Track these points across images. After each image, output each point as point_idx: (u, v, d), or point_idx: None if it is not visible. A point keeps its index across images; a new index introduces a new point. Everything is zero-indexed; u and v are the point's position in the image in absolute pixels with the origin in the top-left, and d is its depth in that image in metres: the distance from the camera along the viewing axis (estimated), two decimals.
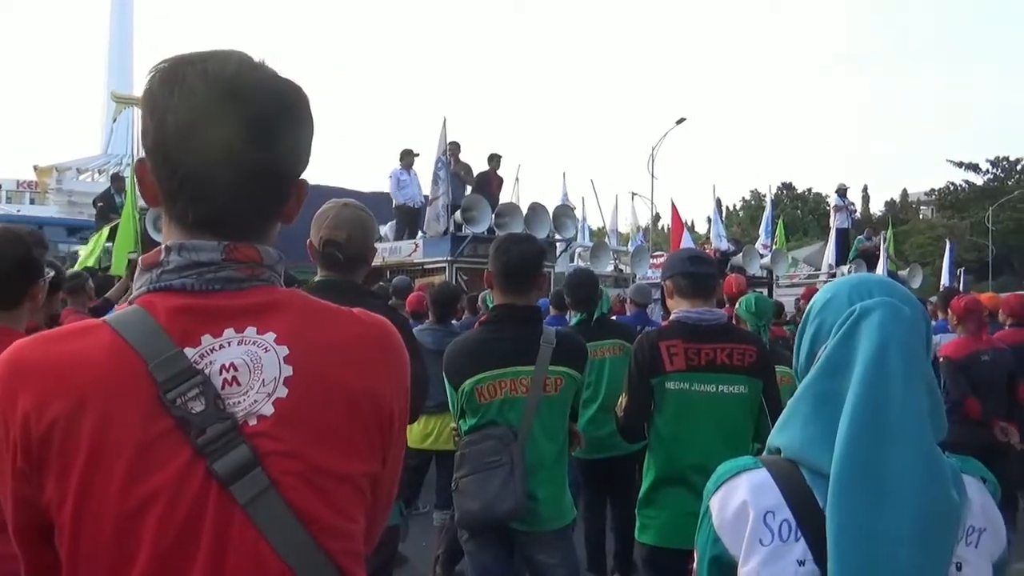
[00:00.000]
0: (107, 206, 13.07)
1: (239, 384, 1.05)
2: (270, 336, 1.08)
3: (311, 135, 1.17)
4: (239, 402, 1.05)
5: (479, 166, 14.13)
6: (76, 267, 11.59)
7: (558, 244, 13.49)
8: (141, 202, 12.16)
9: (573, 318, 5.27)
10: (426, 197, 12.72)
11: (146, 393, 1.02)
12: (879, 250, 16.67)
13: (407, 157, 13.48)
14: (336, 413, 1.09)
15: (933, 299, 7.79)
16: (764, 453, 1.38)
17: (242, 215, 1.11)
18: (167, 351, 1.04)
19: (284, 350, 1.08)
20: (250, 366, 1.06)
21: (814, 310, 1.39)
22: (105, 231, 11.87)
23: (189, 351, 1.05)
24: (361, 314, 1.18)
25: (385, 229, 13.24)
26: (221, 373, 1.05)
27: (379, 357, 1.16)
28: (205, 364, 1.05)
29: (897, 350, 1.26)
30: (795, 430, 1.31)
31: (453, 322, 5.99)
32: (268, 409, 1.05)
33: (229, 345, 1.07)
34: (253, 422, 1.04)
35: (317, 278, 2.78)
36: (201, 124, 1.06)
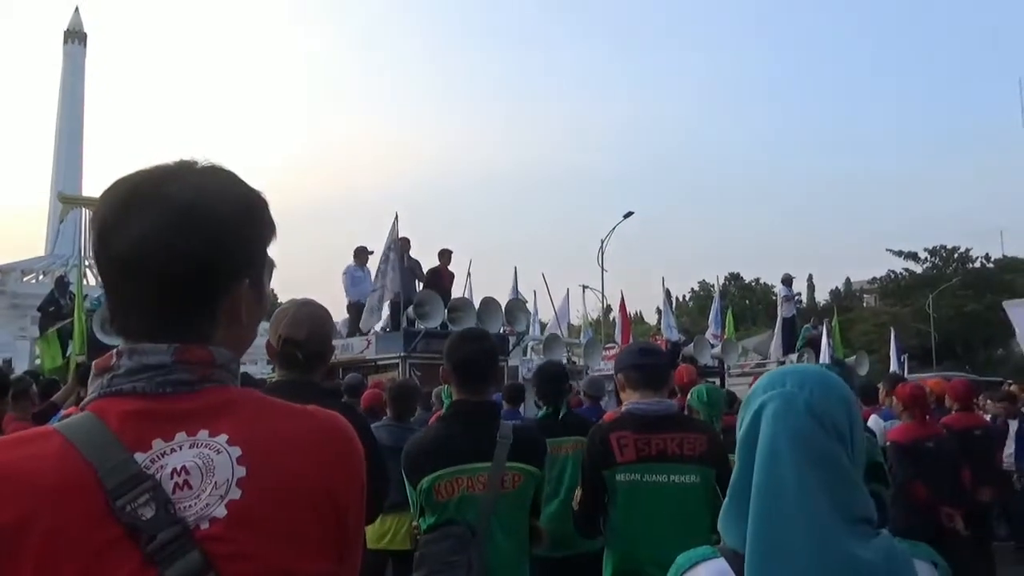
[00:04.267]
0: (52, 310, 12.89)
1: (191, 488, 1.04)
2: (222, 437, 1.08)
3: (262, 235, 1.20)
4: (190, 506, 1.03)
5: (430, 262, 14.30)
6: (44, 369, 11.32)
7: (511, 338, 13.57)
8: (88, 303, 12.06)
9: (540, 411, 5.25)
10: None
11: (96, 500, 1.01)
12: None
13: (361, 255, 13.60)
14: (292, 512, 1.08)
15: (880, 385, 7.99)
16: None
17: (186, 317, 1.12)
18: (117, 457, 1.03)
19: (237, 451, 1.07)
20: (202, 469, 1.05)
21: (744, 401, 1.49)
22: (52, 333, 11.66)
23: (140, 456, 1.04)
24: (314, 410, 1.18)
25: (337, 326, 13.23)
26: (172, 477, 1.04)
27: (334, 452, 1.15)
28: (156, 469, 1.04)
29: (786, 439, 1.33)
30: (727, 522, 1.40)
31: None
32: (221, 511, 1.04)
33: (180, 448, 1.06)
34: (205, 525, 1.03)
35: (275, 378, 2.79)
36: (137, 233, 1.09)
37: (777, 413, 1.36)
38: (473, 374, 3.18)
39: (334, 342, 3.15)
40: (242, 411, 1.12)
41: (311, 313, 2.80)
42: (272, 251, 1.25)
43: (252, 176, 1.22)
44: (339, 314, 13.17)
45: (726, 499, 1.42)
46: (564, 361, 16.41)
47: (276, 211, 1.22)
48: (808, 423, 1.35)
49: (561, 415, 5.04)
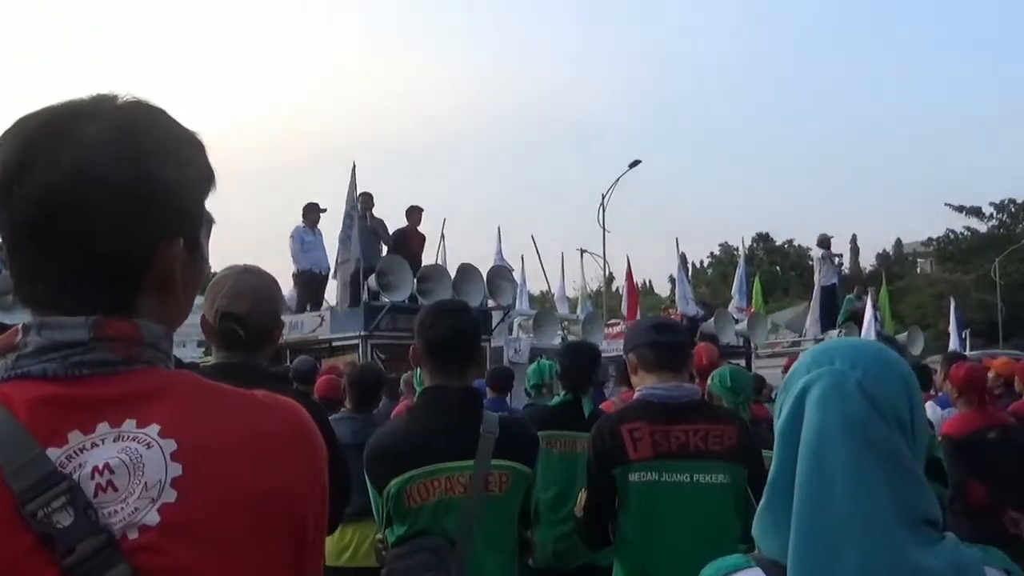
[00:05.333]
0: None
1: (116, 489, 1.04)
2: (153, 428, 1.07)
3: (198, 184, 1.20)
4: (116, 511, 1.03)
5: (396, 222, 14.26)
6: None
7: (494, 313, 13.60)
8: None
9: (556, 396, 5.36)
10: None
11: (3, 506, 1.00)
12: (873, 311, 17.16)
13: (312, 214, 13.53)
14: (238, 519, 1.08)
15: (936, 360, 7.97)
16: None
17: (106, 284, 1.12)
18: (27, 453, 1.02)
19: (171, 445, 1.06)
20: (129, 467, 1.04)
21: (782, 384, 1.49)
22: None
23: (54, 452, 1.03)
24: (265, 397, 1.18)
25: (285, 299, 13.22)
26: (93, 477, 1.03)
27: (290, 449, 1.15)
28: (73, 467, 1.03)
29: (836, 426, 1.34)
30: (764, 527, 1.41)
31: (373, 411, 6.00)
32: (153, 518, 1.03)
33: (103, 443, 1.05)
34: (134, 535, 1.03)
35: (212, 360, 2.79)
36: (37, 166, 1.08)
37: (825, 396, 1.37)
38: (450, 355, 3.19)
39: (282, 318, 3.14)
40: (177, 397, 1.12)
41: (255, 283, 2.79)
42: (211, 204, 1.24)
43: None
44: (286, 285, 13.15)
45: (763, 501, 1.42)
46: (558, 341, 16.53)
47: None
48: (862, 407, 1.35)
49: (585, 408, 5.10)
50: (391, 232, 14.02)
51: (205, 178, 1.21)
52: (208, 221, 1.25)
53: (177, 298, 1.19)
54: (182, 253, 1.17)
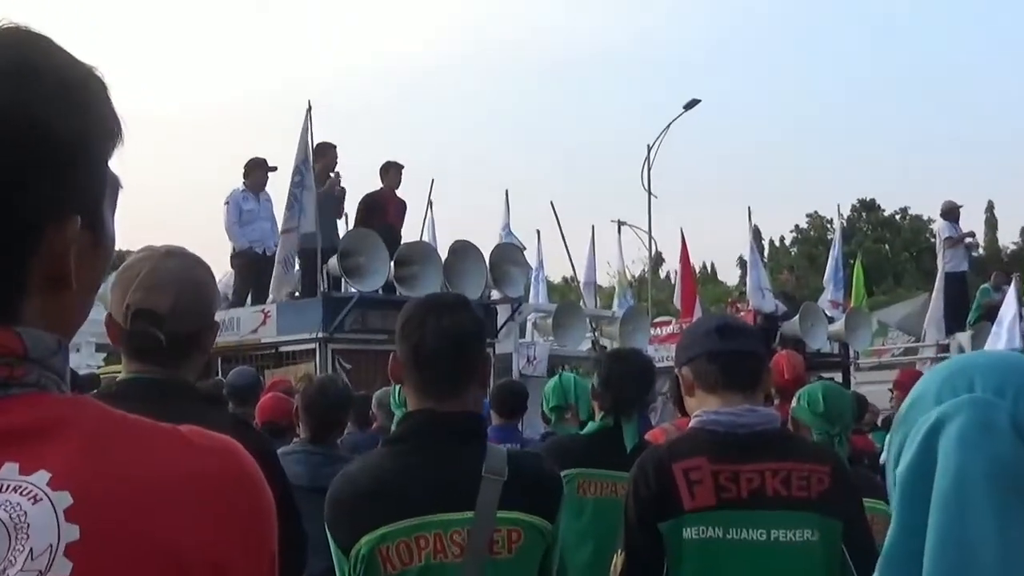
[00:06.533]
0: None
1: None
2: (41, 477, 1.07)
3: (99, 140, 1.20)
4: None
5: (368, 184, 14.24)
6: None
7: (500, 308, 13.62)
8: None
9: (592, 424, 5.35)
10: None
11: None
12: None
13: (256, 172, 13.51)
14: None
15: None
16: None
17: None
18: None
19: (65, 499, 1.07)
20: (9, 528, 1.04)
21: (901, 414, 1.48)
22: None
23: None
24: (193, 435, 1.19)
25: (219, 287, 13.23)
26: None
27: (225, 504, 1.16)
28: None
29: (987, 479, 1.34)
30: None
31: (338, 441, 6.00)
32: None
33: None
34: None
35: (121, 375, 2.79)
36: None
37: (965, 435, 1.37)
38: (441, 368, 3.19)
39: (217, 317, 3.15)
40: (74, 434, 1.12)
41: (179, 270, 2.79)
42: (117, 166, 1.24)
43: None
44: (220, 269, 13.18)
45: (879, 569, 1.43)
46: (587, 347, 16.52)
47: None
48: (1018, 449, 1.36)
49: (628, 439, 5.04)
50: (361, 197, 14.00)
51: (109, 131, 1.21)
52: (114, 188, 1.25)
53: (73, 296, 1.19)
54: (80, 235, 1.17)
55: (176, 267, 2.80)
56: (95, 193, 1.20)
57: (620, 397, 5.13)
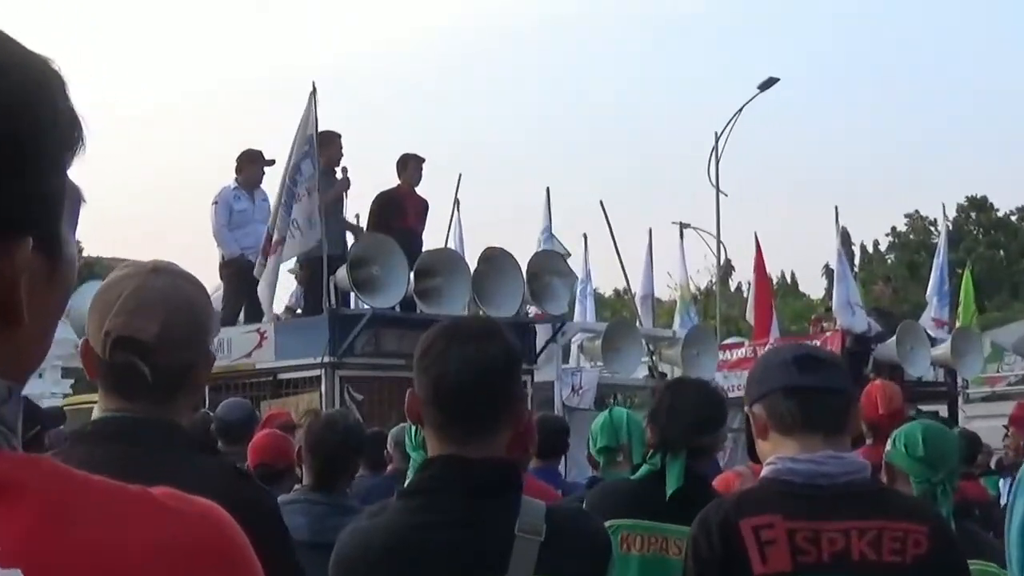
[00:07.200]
0: None
1: None
2: None
3: (56, 145, 1.19)
4: None
5: (383, 180, 14.25)
6: None
7: (539, 328, 13.61)
8: None
9: (639, 470, 5.24)
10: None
11: None
12: None
13: (250, 167, 13.53)
14: None
15: None
16: None
17: None
18: None
19: None
20: None
21: (1022, 477, 1.49)
22: None
23: None
24: (167, 498, 1.20)
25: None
26: None
27: None
28: None
29: None
30: None
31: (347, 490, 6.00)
32: None
33: None
34: None
35: (95, 414, 2.79)
36: None
37: None
38: (467, 406, 3.19)
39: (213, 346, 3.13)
40: (29, 501, 1.12)
41: (168, 290, 2.79)
42: (77, 174, 1.23)
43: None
44: (209, 282, 13.20)
45: None
46: (644, 374, 16.48)
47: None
48: None
49: (672, 480, 4.93)
50: (375, 197, 14.00)
51: (67, 135, 1.20)
52: (74, 201, 1.25)
53: (26, 333, 1.18)
54: (32, 259, 1.16)
55: (164, 286, 2.78)
56: (50, 208, 1.19)
57: (667, 433, 5.07)
